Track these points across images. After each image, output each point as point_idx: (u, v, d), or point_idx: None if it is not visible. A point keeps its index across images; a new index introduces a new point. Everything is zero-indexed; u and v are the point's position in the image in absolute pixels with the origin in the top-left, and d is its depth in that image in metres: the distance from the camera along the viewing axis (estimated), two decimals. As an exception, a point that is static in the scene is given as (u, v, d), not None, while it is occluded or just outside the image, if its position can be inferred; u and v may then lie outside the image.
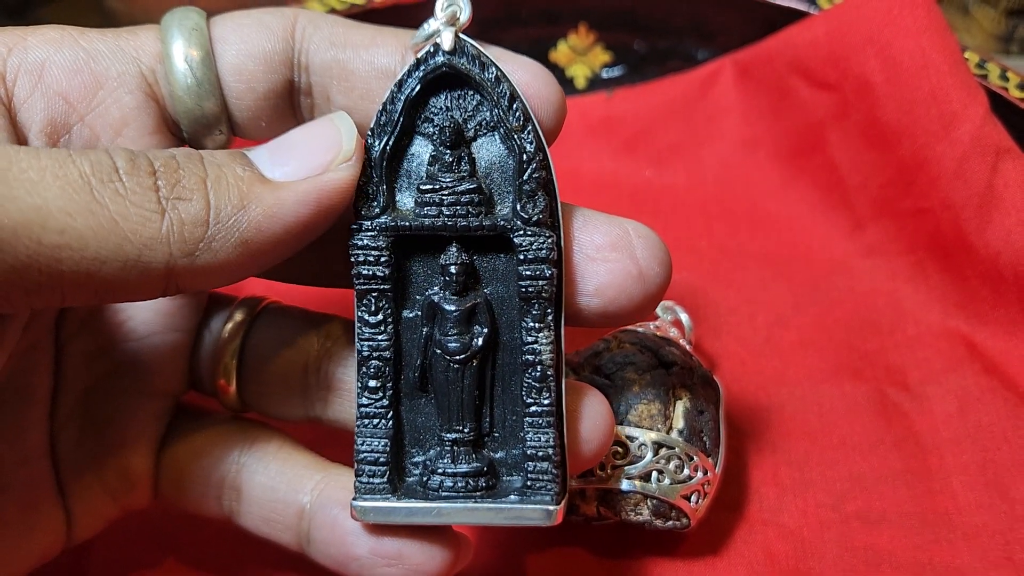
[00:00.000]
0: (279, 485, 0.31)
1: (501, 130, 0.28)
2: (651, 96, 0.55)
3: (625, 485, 0.35)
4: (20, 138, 0.27)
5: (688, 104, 0.54)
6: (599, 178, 0.53)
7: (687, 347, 0.41)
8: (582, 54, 0.56)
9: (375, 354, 0.28)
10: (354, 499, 0.29)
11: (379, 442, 0.29)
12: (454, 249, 0.29)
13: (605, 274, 0.28)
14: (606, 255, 0.29)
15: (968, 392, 0.42)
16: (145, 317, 0.33)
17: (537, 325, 0.28)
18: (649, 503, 0.35)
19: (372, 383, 0.28)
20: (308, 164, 0.26)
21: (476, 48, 0.28)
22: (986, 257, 0.43)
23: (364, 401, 0.29)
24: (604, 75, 0.56)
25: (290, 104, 0.31)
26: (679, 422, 0.36)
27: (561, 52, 0.56)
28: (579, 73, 0.56)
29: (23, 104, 0.27)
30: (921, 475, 0.40)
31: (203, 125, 0.30)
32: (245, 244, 0.25)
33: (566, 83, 0.56)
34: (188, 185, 0.25)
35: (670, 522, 0.36)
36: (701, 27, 0.54)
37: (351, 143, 0.27)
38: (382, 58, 0.29)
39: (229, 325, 0.33)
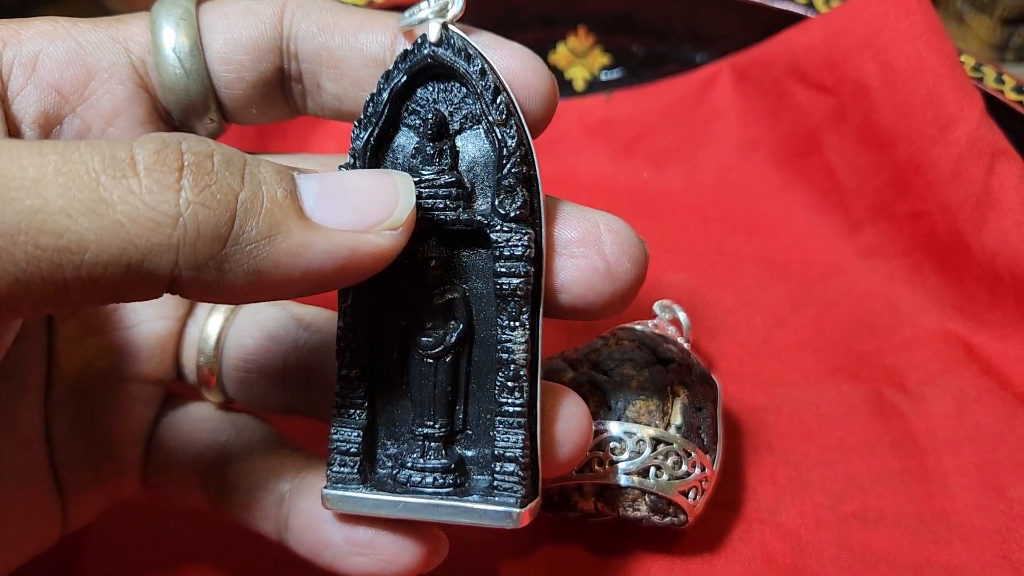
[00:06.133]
0: (260, 473, 0.31)
1: (485, 123, 0.28)
2: (649, 99, 0.55)
3: (623, 481, 0.35)
4: (13, 130, 0.28)
5: (686, 107, 0.54)
6: (597, 180, 0.54)
7: (685, 345, 0.41)
8: (581, 56, 0.56)
9: (352, 346, 0.28)
10: (325, 487, 0.28)
11: (353, 432, 0.28)
12: (433, 242, 0.28)
13: (571, 270, 0.28)
14: (573, 251, 0.28)
15: (965, 393, 0.42)
16: (135, 304, 0.33)
17: (512, 323, 0.27)
18: (647, 499, 0.35)
19: (349, 373, 0.28)
20: (355, 216, 0.24)
21: (463, 40, 0.27)
22: (983, 259, 0.43)
23: (340, 391, 0.28)
24: (603, 77, 0.56)
25: (281, 91, 0.30)
26: (677, 418, 0.36)
27: (560, 54, 0.56)
28: (578, 75, 0.56)
29: (17, 96, 0.28)
30: (919, 475, 0.40)
31: (194, 114, 0.30)
32: (257, 274, 0.23)
33: (565, 85, 0.56)
34: (217, 193, 0.22)
35: (668, 518, 0.36)
36: (699, 31, 0.54)
37: (405, 212, 0.25)
38: (371, 46, 0.29)
39: (214, 315, 0.33)
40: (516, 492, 0.27)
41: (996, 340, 0.43)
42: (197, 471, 0.32)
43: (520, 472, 0.27)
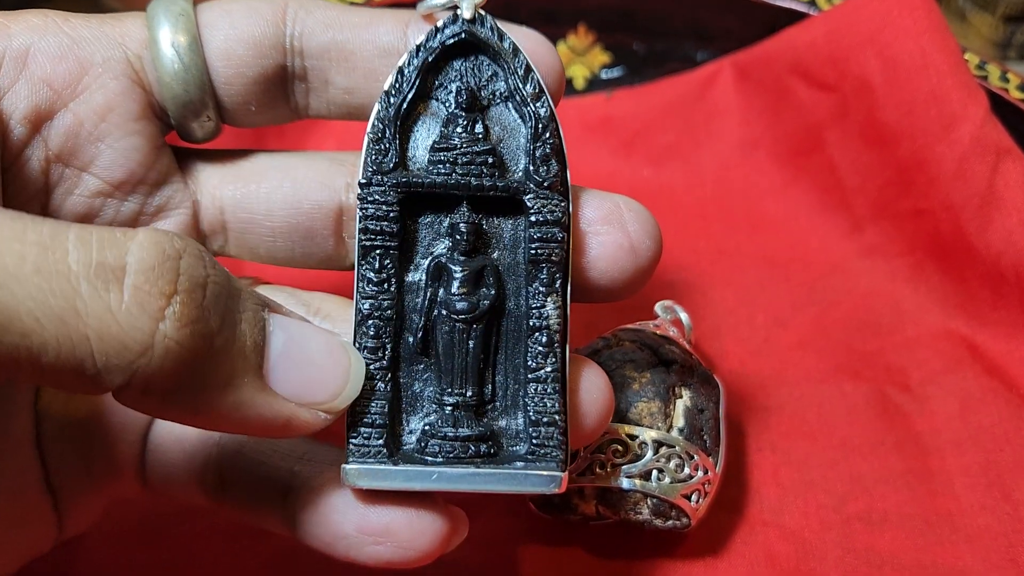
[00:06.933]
0: (260, 465, 0.30)
1: (516, 99, 0.28)
2: (650, 97, 0.54)
3: (625, 484, 0.35)
4: (1, 126, 0.27)
5: (687, 105, 0.54)
6: (598, 178, 0.53)
7: (687, 346, 0.40)
8: (581, 55, 0.56)
9: (376, 313, 0.28)
10: (346, 463, 0.27)
11: (377, 404, 0.27)
12: (465, 208, 0.28)
13: (597, 246, 0.29)
14: (597, 228, 0.29)
15: (969, 393, 0.42)
16: None
17: (545, 290, 0.28)
18: (649, 502, 0.35)
19: (372, 343, 0.27)
20: (303, 390, 0.25)
21: (492, 20, 0.28)
22: (987, 258, 0.43)
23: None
24: (603, 76, 0.56)
25: (283, 90, 0.30)
26: (679, 420, 0.36)
27: (560, 52, 0.55)
28: (578, 74, 0.56)
29: (7, 92, 0.27)
30: (923, 476, 0.40)
31: (191, 111, 0.29)
32: (195, 410, 0.23)
33: (565, 83, 0.56)
34: (196, 335, 0.22)
35: (670, 521, 0.35)
36: (700, 28, 0.54)
37: (345, 402, 0.26)
38: (384, 36, 0.29)
39: None
40: (556, 456, 0.27)
41: (1000, 340, 0.43)
42: (194, 467, 0.31)
43: (559, 436, 0.27)
